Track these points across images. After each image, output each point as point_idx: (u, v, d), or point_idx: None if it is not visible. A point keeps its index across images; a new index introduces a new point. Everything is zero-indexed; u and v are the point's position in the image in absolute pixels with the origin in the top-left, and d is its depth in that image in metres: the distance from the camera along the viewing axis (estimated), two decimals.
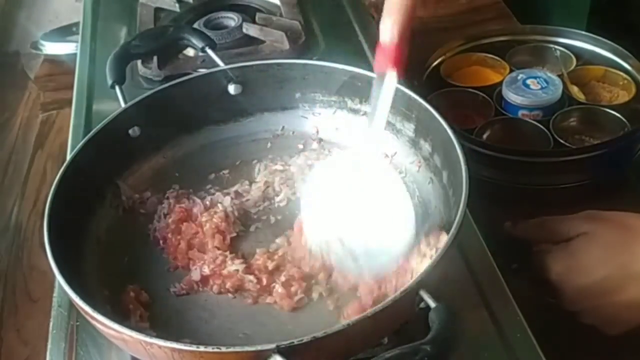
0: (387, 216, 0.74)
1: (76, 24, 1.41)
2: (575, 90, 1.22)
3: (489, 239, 0.85)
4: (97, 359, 0.76)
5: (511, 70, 1.25)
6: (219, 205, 0.85)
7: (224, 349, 0.61)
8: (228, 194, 0.88)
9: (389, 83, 0.75)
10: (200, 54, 1.09)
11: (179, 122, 0.92)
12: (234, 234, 0.83)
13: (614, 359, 0.93)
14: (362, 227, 0.73)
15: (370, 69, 0.93)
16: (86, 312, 0.65)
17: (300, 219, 0.80)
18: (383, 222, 0.73)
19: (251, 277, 0.77)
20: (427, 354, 0.57)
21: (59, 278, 0.67)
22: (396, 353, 0.58)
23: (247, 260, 0.80)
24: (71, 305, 0.80)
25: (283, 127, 0.95)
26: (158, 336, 0.63)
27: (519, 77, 1.20)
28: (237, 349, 0.60)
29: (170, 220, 0.84)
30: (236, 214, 0.85)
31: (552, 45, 1.30)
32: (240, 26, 1.18)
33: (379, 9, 1.46)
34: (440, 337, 0.59)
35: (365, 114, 0.90)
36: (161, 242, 0.83)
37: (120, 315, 0.73)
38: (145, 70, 1.11)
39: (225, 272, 0.78)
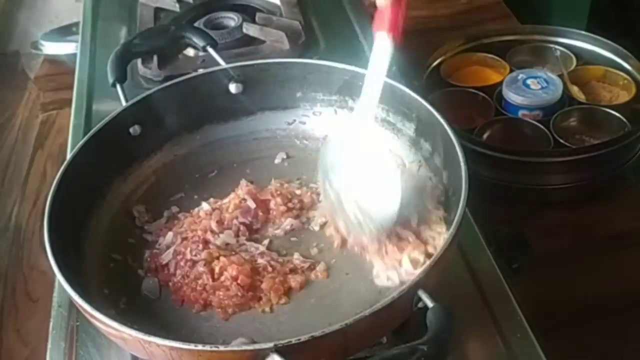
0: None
1: (76, 24, 1.41)
2: (575, 90, 1.22)
3: (489, 239, 0.85)
4: (97, 358, 0.76)
5: (511, 70, 1.25)
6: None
7: (222, 348, 0.61)
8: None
9: (382, 47, 0.75)
10: (201, 53, 1.09)
11: (180, 121, 0.92)
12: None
13: (614, 359, 0.93)
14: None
15: None
16: (86, 311, 0.65)
17: None
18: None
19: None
20: (424, 354, 0.56)
21: (59, 278, 0.67)
22: (393, 353, 0.58)
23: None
24: (71, 305, 0.80)
25: (284, 126, 0.95)
26: (156, 334, 0.62)
27: (519, 77, 1.20)
28: (235, 348, 0.61)
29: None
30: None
31: (552, 45, 1.30)
32: (241, 26, 1.18)
33: None
34: (437, 337, 0.59)
35: None
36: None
37: (120, 314, 0.74)
38: (145, 70, 1.11)
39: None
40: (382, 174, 0.78)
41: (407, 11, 0.75)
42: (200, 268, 0.77)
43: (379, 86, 0.78)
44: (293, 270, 0.78)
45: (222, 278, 0.76)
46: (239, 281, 0.75)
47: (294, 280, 0.76)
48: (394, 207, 0.76)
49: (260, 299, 0.75)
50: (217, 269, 0.77)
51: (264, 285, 0.76)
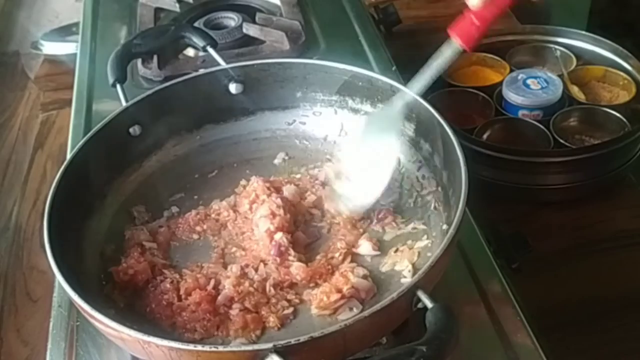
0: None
1: (76, 24, 1.41)
2: (575, 90, 1.22)
3: (489, 239, 0.85)
4: (97, 358, 0.76)
5: (511, 70, 1.25)
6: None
7: (221, 349, 0.61)
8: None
9: (445, 49, 0.78)
10: (201, 54, 1.09)
11: (180, 121, 0.92)
12: None
13: (614, 359, 0.93)
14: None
15: (370, 69, 0.93)
16: (86, 311, 0.65)
17: None
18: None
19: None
20: (423, 354, 0.56)
21: (59, 278, 0.67)
22: (392, 354, 0.58)
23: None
24: (71, 305, 0.80)
25: (284, 126, 0.95)
26: (156, 335, 0.62)
27: (519, 77, 1.20)
28: (234, 348, 0.61)
29: None
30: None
31: (552, 45, 1.30)
32: (241, 26, 1.18)
33: (378, 9, 1.47)
34: (436, 337, 0.59)
35: (365, 113, 0.90)
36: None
37: (119, 314, 0.73)
38: (145, 70, 1.10)
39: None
40: (381, 166, 0.82)
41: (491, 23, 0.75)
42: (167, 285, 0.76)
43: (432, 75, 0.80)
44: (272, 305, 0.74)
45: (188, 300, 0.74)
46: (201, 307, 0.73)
47: (271, 320, 0.73)
48: (370, 199, 0.81)
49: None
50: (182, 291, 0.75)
51: (234, 324, 0.72)
